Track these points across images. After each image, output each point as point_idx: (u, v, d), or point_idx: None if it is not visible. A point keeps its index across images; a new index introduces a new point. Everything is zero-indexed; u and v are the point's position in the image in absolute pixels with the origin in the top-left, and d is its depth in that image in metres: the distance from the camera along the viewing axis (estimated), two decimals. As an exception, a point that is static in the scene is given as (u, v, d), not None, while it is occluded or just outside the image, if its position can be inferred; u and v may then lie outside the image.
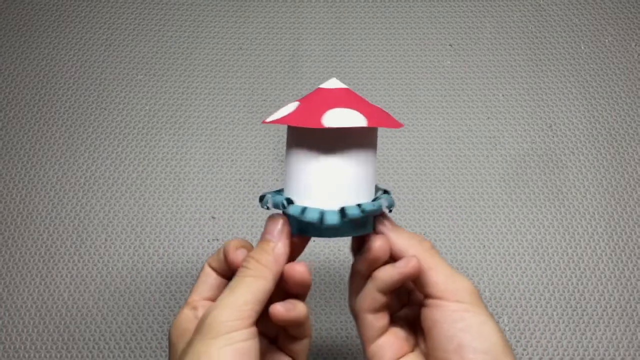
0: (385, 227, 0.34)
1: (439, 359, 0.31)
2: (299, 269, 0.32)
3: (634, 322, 0.52)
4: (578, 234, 0.55)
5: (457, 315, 0.30)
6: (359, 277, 0.34)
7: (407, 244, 0.33)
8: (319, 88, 0.33)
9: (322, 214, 0.31)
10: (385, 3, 0.67)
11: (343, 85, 0.33)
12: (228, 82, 0.62)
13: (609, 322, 0.52)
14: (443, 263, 0.32)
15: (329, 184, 0.32)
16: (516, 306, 0.52)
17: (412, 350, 0.34)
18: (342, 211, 0.31)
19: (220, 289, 0.34)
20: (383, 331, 0.34)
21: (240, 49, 0.64)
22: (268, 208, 0.33)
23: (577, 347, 0.51)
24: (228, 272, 0.34)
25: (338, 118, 0.30)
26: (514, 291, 0.53)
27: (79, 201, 0.57)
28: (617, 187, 0.57)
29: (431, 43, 0.65)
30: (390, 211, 0.34)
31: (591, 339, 0.51)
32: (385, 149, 0.59)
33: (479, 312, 0.31)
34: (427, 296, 0.32)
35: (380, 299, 0.33)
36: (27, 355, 0.51)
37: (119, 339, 0.51)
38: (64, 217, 0.56)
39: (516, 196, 0.57)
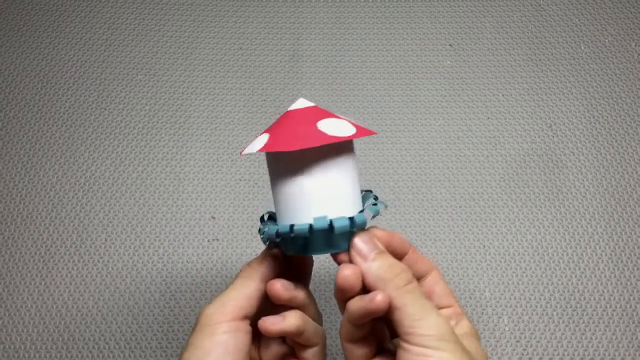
0: (356, 255, 0.32)
1: None
2: (272, 285, 0.33)
3: (634, 322, 0.52)
4: (578, 234, 0.55)
5: None
6: (338, 301, 0.33)
7: (378, 277, 0.31)
8: (286, 111, 0.34)
9: (267, 233, 0.32)
10: (385, 3, 0.67)
11: (304, 105, 0.33)
12: (228, 82, 0.62)
13: (609, 322, 0.52)
14: (413, 303, 0.30)
15: (286, 203, 0.32)
16: (516, 306, 0.52)
17: None
18: (278, 230, 0.32)
19: None
20: (366, 359, 0.33)
21: (240, 49, 0.64)
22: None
23: (577, 347, 0.51)
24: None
25: (251, 144, 0.33)
26: (514, 291, 0.53)
27: (79, 201, 0.57)
28: (617, 187, 0.57)
29: (431, 43, 0.65)
30: (374, 216, 0.33)
31: (591, 339, 0.51)
32: (385, 149, 0.59)
33: (443, 358, 0.29)
34: (398, 336, 0.31)
35: (355, 330, 0.32)
36: (27, 355, 0.51)
37: (119, 339, 0.51)
38: (64, 217, 0.56)
39: (516, 196, 0.57)
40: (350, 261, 0.32)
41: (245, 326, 0.33)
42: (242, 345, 0.32)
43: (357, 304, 0.31)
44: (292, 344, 0.35)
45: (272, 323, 0.32)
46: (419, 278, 0.35)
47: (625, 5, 0.67)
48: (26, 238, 0.55)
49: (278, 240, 0.32)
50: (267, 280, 0.34)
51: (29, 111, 0.61)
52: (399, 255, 0.34)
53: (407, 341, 0.30)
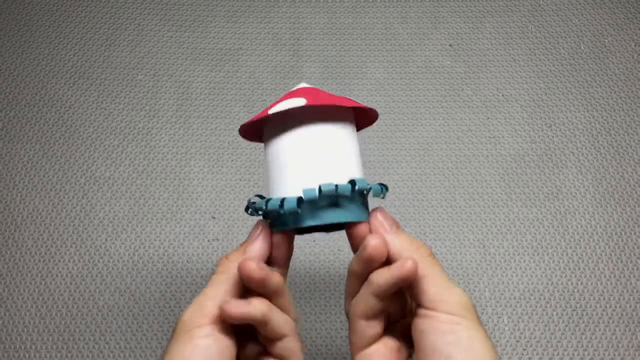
0: (381, 227, 0.32)
1: None
2: (245, 264, 0.30)
3: (633, 322, 0.52)
4: (578, 234, 0.55)
5: (446, 328, 0.29)
6: (355, 278, 0.32)
7: (403, 247, 0.31)
8: (288, 92, 0.34)
9: (282, 201, 0.30)
10: (385, 3, 0.67)
11: (310, 86, 0.34)
12: (228, 82, 0.63)
13: (609, 322, 0.52)
14: (439, 272, 0.31)
15: (290, 169, 0.31)
16: (516, 306, 0.52)
17: None
18: (300, 198, 0.30)
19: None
20: (374, 340, 0.32)
21: (240, 49, 0.64)
22: (250, 213, 0.33)
23: (577, 347, 0.51)
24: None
25: (283, 105, 0.31)
26: (514, 291, 0.53)
27: (79, 201, 0.57)
28: (616, 187, 0.57)
29: (431, 43, 0.65)
30: (383, 197, 0.33)
31: (591, 339, 0.51)
32: (385, 149, 0.59)
33: (470, 326, 0.29)
34: (419, 305, 0.31)
35: (375, 304, 0.31)
36: (27, 355, 0.51)
37: (119, 339, 0.51)
38: (64, 217, 0.56)
39: (516, 196, 0.57)
40: (370, 232, 0.32)
41: (227, 326, 0.31)
42: (226, 348, 0.30)
43: (384, 274, 0.30)
44: (262, 340, 0.33)
45: (235, 306, 0.30)
46: None
47: (625, 5, 0.67)
48: (26, 238, 0.55)
49: (297, 210, 0.30)
50: None
51: (29, 111, 0.61)
52: None
53: (433, 309, 0.30)
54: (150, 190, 0.57)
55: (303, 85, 0.34)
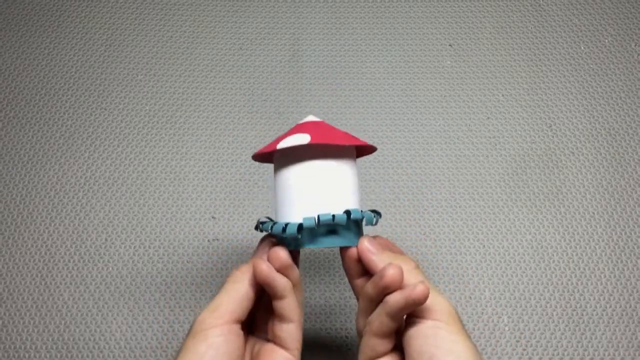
0: (367, 251, 0.36)
1: None
2: (258, 265, 0.34)
3: (633, 322, 0.52)
4: (578, 234, 0.55)
5: (430, 332, 0.33)
6: (368, 300, 0.35)
7: (388, 261, 0.35)
8: (297, 124, 0.38)
9: (285, 226, 0.35)
10: (385, 3, 0.67)
11: (316, 119, 0.38)
12: (228, 82, 0.63)
13: (609, 322, 0.52)
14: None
15: (294, 198, 0.36)
16: (516, 306, 0.52)
17: None
18: (300, 225, 0.34)
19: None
20: (383, 354, 0.35)
21: (240, 49, 0.64)
22: (260, 231, 0.38)
23: (577, 347, 0.51)
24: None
25: (290, 140, 0.35)
26: (514, 291, 0.53)
27: (79, 201, 0.57)
28: (617, 187, 0.57)
29: (431, 43, 0.65)
30: (375, 223, 0.37)
31: (591, 339, 0.51)
32: (385, 150, 0.59)
33: (452, 331, 0.33)
34: (409, 314, 0.34)
35: (389, 323, 0.34)
36: (27, 355, 0.51)
37: (119, 339, 0.51)
38: (64, 217, 0.56)
39: (516, 196, 0.57)
40: (359, 256, 0.36)
41: (237, 329, 0.35)
42: (235, 348, 0.34)
43: (396, 296, 0.33)
44: (272, 323, 0.37)
45: (267, 267, 0.34)
46: None
47: (625, 5, 0.67)
48: (26, 238, 0.55)
49: (297, 236, 0.35)
50: (255, 285, 0.36)
51: (29, 111, 0.61)
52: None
53: (421, 317, 0.34)
54: (150, 190, 0.57)
55: (311, 118, 0.38)
